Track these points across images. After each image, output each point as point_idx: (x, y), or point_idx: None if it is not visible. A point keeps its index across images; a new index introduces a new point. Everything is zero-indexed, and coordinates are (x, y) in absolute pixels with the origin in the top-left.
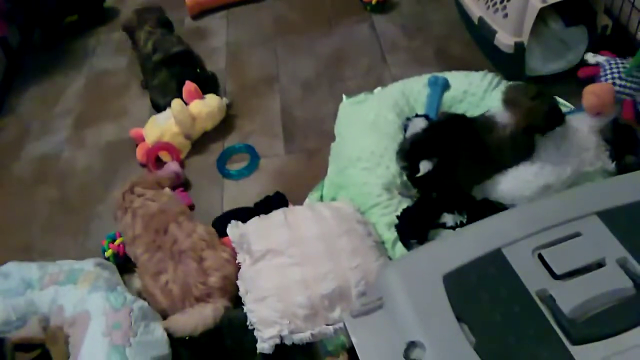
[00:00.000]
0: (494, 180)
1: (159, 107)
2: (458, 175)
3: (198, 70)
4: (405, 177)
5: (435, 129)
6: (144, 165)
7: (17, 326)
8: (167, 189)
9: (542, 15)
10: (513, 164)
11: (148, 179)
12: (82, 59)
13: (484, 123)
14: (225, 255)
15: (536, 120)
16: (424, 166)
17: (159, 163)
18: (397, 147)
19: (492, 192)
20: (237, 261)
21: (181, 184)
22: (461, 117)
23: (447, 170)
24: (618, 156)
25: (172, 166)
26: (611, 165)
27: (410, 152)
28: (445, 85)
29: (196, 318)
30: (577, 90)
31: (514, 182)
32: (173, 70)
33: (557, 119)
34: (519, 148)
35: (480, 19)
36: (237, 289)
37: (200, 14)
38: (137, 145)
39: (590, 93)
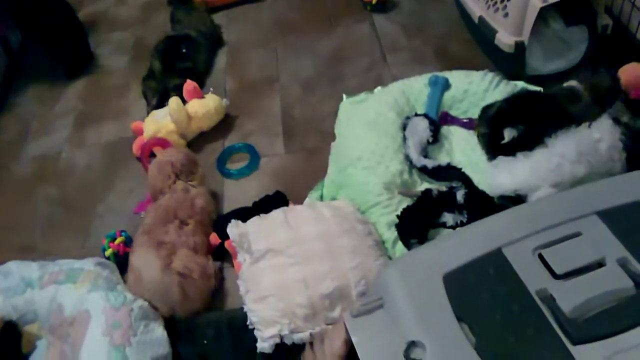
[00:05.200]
0: (511, 171)
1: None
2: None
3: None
4: (406, 176)
5: (518, 100)
6: (138, 159)
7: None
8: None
9: (543, 15)
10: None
11: (185, 161)
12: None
13: (567, 94)
14: (198, 259)
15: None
16: (508, 133)
17: (153, 158)
18: (480, 113)
19: (505, 183)
20: (237, 260)
21: None
22: (538, 92)
23: (533, 138)
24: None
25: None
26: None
27: (495, 119)
28: (446, 85)
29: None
30: None
31: (528, 177)
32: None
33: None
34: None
35: (481, 18)
36: (201, 297)
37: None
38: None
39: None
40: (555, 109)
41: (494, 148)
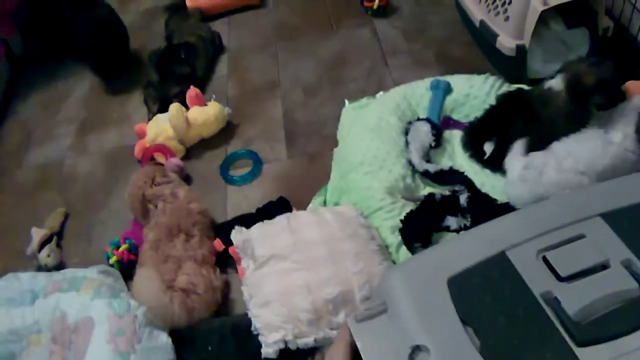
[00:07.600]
0: (537, 181)
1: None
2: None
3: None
4: (409, 181)
5: (489, 112)
6: (140, 162)
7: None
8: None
9: (544, 17)
10: (563, 135)
11: (153, 169)
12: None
13: (539, 96)
14: (204, 272)
15: (580, 86)
16: (488, 147)
17: (153, 162)
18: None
19: (526, 196)
20: (241, 266)
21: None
22: (515, 93)
23: (506, 146)
24: None
25: (173, 160)
26: None
27: (469, 142)
28: (448, 89)
29: (157, 298)
30: None
31: (545, 189)
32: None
33: (610, 91)
34: (569, 118)
35: (482, 22)
36: (207, 310)
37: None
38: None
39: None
40: (523, 111)
41: (484, 164)
